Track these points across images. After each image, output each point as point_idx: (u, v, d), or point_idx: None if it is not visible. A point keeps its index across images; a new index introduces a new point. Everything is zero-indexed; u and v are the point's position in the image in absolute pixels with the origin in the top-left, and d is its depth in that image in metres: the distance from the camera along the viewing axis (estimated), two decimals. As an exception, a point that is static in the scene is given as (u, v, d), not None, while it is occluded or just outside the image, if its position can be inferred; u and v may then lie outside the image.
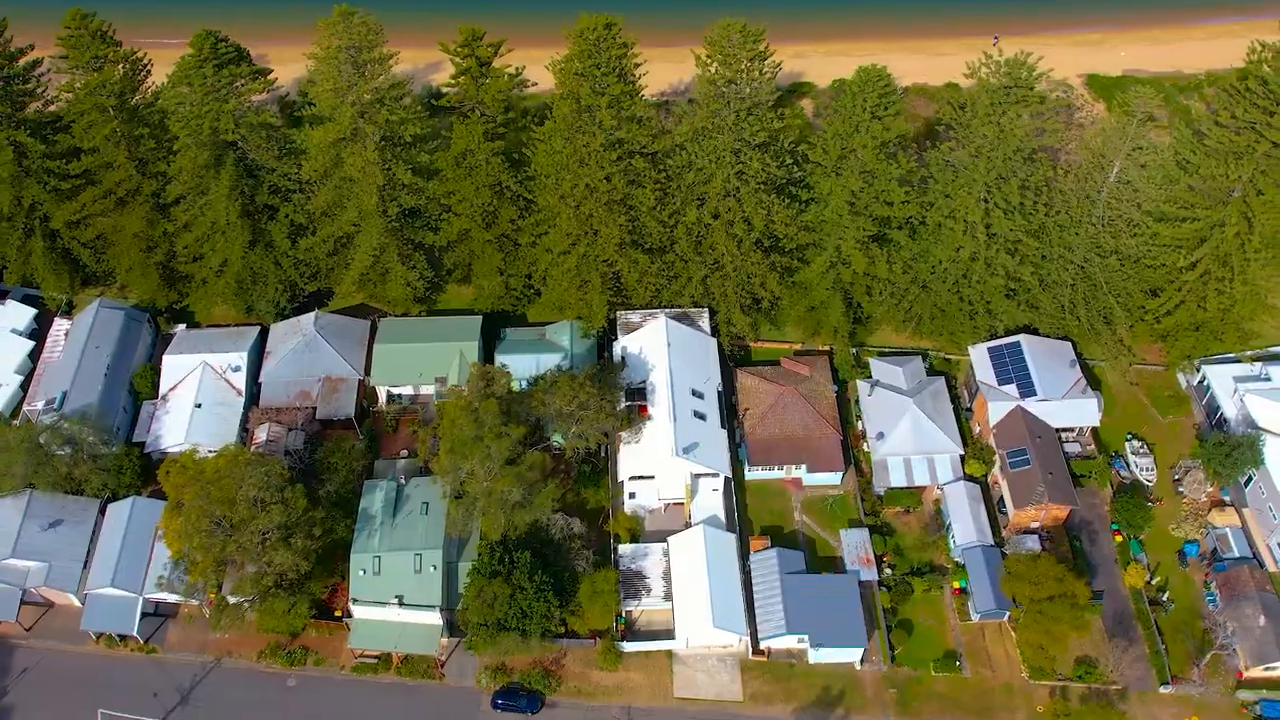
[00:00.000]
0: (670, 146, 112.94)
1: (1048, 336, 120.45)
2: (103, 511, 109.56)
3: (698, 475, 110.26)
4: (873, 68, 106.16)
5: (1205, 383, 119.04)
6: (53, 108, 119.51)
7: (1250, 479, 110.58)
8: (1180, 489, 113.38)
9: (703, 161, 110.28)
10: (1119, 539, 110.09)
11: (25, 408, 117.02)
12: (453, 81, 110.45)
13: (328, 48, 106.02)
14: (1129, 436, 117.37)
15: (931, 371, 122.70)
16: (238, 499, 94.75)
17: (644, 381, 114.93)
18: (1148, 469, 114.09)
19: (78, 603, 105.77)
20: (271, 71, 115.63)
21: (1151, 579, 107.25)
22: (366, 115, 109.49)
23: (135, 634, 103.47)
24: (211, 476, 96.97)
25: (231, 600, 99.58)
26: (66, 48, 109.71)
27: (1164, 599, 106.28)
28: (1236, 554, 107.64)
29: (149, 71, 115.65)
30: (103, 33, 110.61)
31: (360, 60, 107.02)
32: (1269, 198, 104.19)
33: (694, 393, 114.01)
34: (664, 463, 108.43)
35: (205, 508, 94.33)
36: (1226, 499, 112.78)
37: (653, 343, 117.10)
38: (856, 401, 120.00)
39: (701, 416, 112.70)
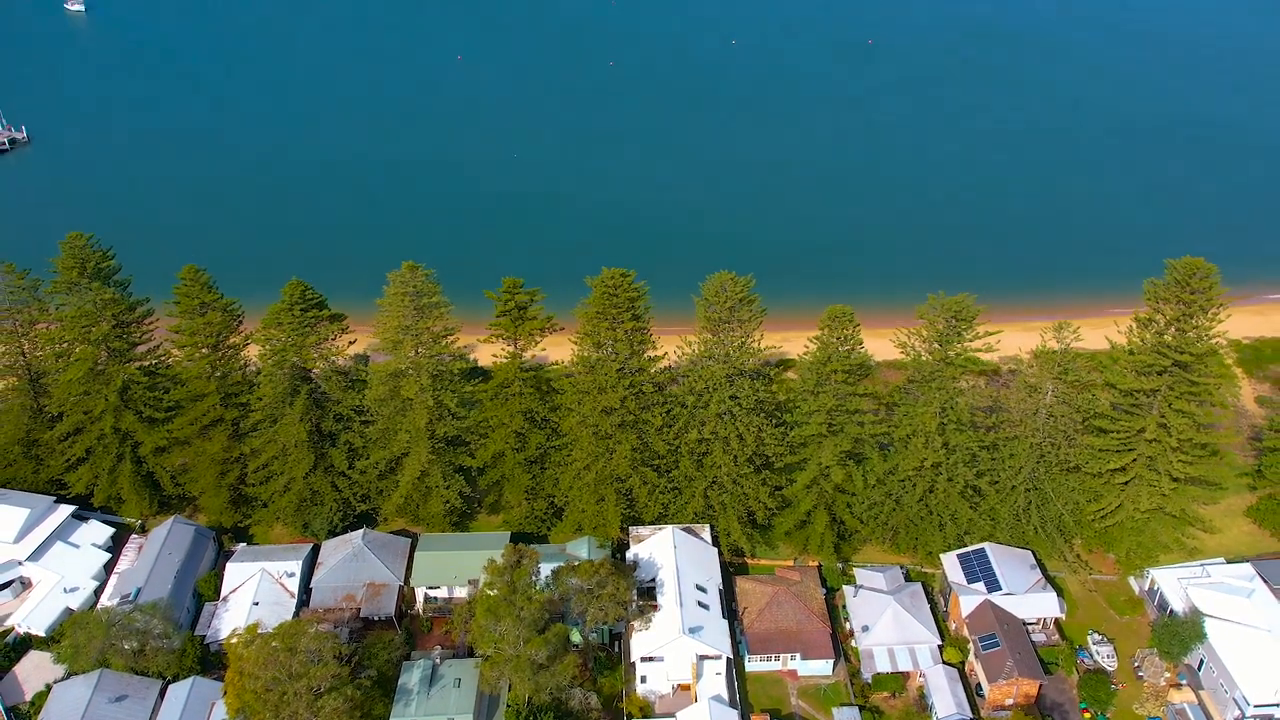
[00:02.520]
0: (674, 376, 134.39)
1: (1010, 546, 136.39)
2: (163, 693, 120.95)
3: (703, 657, 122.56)
4: (841, 307, 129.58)
5: (1155, 587, 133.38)
6: (159, 350, 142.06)
7: (1202, 662, 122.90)
8: (1140, 674, 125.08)
9: (701, 386, 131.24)
10: (1087, 716, 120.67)
11: (101, 603, 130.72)
12: (495, 322, 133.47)
13: (395, 293, 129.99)
14: (1090, 632, 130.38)
15: (909, 579, 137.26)
16: (297, 649, 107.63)
17: (653, 579, 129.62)
18: (1109, 656, 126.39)
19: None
20: (346, 318, 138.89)
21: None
22: (422, 350, 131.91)
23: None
24: (274, 635, 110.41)
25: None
26: (179, 295, 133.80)
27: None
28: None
29: (241, 320, 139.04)
30: (209, 285, 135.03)
31: (421, 305, 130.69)
32: (1179, 406, 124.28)
33: (698, 586, 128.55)
34: (672, 642, 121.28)
35: (268, 655, 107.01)
36: (1183, 682, 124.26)
37: (662, 547, 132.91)
38: (844, 606, 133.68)
39: (705, 606, 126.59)
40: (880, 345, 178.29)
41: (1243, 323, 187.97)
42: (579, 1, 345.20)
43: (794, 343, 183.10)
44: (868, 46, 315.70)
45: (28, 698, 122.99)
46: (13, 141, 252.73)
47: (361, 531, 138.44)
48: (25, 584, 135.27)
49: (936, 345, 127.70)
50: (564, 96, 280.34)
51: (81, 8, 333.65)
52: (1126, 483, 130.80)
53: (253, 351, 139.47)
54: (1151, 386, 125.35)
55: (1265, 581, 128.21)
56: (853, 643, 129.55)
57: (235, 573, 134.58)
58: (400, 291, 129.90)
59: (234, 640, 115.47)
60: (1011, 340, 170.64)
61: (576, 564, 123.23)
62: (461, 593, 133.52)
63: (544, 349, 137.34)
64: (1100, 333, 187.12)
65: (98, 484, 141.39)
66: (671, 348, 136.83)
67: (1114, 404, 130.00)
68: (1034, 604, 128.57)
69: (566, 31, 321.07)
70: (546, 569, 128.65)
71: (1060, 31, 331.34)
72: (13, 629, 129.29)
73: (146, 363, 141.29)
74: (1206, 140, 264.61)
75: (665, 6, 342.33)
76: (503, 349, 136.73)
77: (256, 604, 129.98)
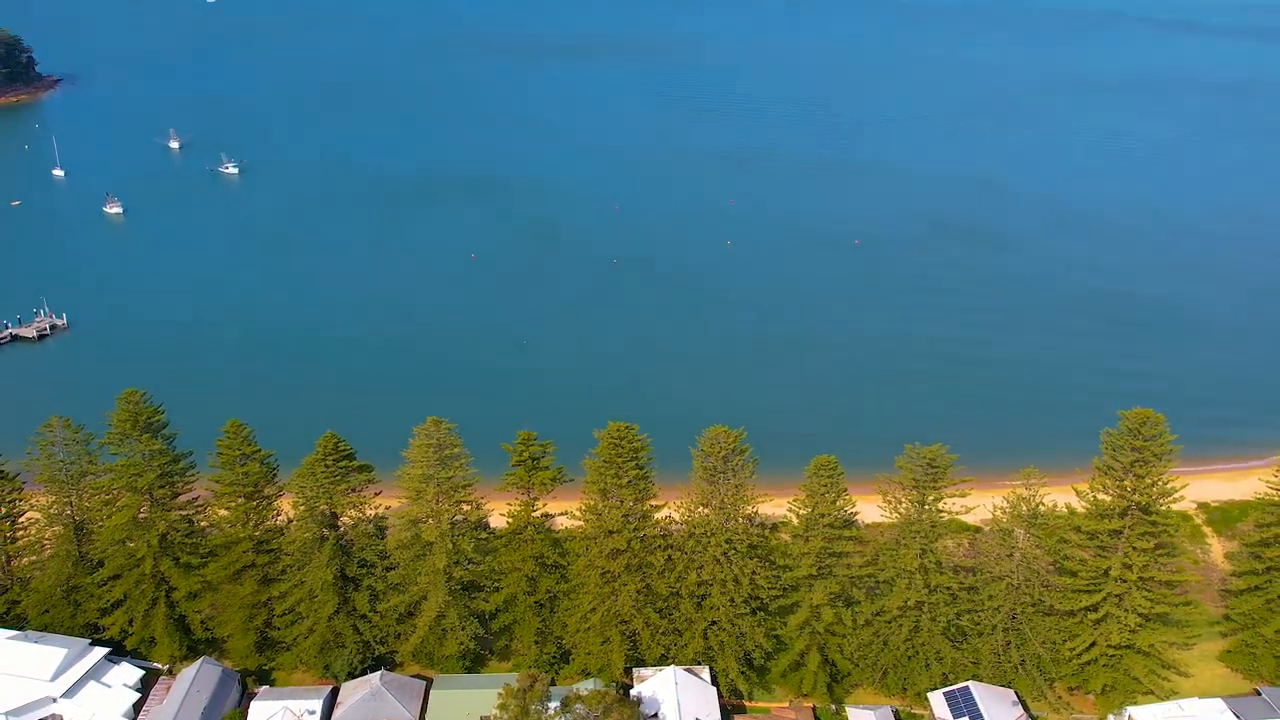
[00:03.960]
0: (673, 524, 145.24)
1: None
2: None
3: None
4: (826, 458, 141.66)
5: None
6: (198, 501, 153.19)
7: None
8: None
9: (700, 531, 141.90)
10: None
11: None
12: (510, 472, 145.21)
13: (420, 445, 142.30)
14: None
15: (899, 718, 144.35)
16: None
17: (655, 714, 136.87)
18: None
19: None
20: (374, 469, 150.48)
21: None
22: (443, 499, 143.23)
23: None
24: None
25: None
26: (221, 447, 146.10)
27: None
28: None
29: (276, 472, 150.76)
30: (249, 438, 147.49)
31: (443, 455, 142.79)
32: (1140, 545, 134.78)
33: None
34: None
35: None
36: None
37: (664, 685, 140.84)
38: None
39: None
40: (863, 509, 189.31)
41: (1213, 488, 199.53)
42: (586, 209, 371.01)
43: (784, 505, 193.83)
44: (854, 247, 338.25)
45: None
46: (53, 327, 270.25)
47: (380, 673, 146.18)
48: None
49: (914, 490, 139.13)
50: (570, 290, 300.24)
51: (120, 210, 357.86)
52: (1099, 621, 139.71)
53: (286, 502, 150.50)
54: (1114, 527, 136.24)
55: (1236, 715, 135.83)
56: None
57: (259, 711, 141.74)
58: (425, 443, 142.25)
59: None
60: (984, 499, 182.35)
61: (585, 692, 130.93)
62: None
63: (553, 495, 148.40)
64: (1068, 492, 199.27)
65: (132, 627, 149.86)
66: (671, 501, 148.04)
67: (1082, 546, 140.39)
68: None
69: (573, 234, 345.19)
70: (554, 706, 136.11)
71: (1015, 225, 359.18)
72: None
73: (186, 512, 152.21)
74: (1171, 323, 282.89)
75: (664, 214, 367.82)
76: (516, 498, 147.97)
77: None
